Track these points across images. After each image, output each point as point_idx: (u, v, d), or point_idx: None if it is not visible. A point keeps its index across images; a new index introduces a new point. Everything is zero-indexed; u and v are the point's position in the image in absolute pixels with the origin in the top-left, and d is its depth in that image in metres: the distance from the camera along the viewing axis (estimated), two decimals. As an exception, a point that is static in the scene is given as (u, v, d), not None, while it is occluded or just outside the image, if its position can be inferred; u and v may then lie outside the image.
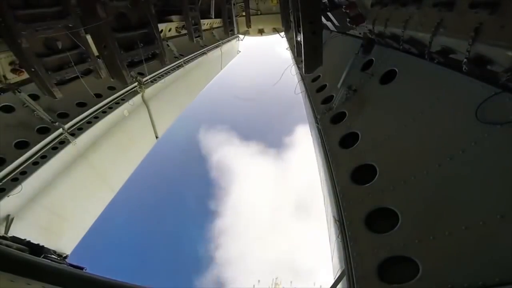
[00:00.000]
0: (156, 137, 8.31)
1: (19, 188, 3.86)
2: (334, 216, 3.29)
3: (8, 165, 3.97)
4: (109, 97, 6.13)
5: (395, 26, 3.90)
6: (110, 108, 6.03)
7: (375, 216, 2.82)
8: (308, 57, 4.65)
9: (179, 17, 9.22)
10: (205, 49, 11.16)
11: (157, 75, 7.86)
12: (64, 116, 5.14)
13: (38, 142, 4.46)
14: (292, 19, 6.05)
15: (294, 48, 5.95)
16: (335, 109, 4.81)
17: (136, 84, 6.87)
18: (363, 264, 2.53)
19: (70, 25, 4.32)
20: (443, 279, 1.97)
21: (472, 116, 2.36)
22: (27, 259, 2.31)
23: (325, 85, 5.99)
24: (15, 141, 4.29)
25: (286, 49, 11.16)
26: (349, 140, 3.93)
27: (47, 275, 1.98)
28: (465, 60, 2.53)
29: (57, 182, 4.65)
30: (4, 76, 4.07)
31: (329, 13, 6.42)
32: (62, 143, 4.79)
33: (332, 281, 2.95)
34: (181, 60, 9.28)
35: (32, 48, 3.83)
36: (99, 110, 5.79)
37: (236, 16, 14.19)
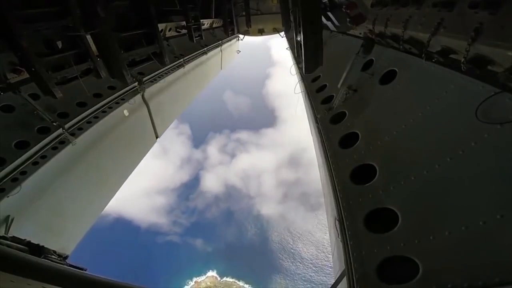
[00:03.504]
0: (156, 137, 8.31)
1: (19, 188, 3.86)
2: (334, 216, 3.29)
3: (8, 165, 3.96)
4: (109, 96, 6.13)
5: (395, 26, 3.90)
6: (110, 108, 6.03)
7: (375, 216, 2.82)
8: (308, 57, 4.65)
9: (179, 17, 9.22)
10: (205, 48, 11.16)
11: (157, 75, 7.86)
12: (64, 116, 5.14)
13: (38, 142, 4.46)
14: (292, 19, 6.05)
15: (294, 48, 5.95)
16: (335, 109, 4.81)
17: (136, 83, 6.87)
18: (363, 264, 2.53)
19: (70, 25, 4.32)
20: (443, 279, 1.97)
21: (472, 116, 2.36)
22: (28, 259, 2.31)
23: (325, 85, 5.99)
24: (15, 141, 4.29)
25: (286, 49, 11.17)
26: (349, 140, 3.93)
27: (48, 276, 1.99)
28: (463, 59, 2.54)
29: (57, 182, 4.65)
30: (4, 76, 4.07)
31: (329, 13, 6.43)
32: (62, 143, 4.78)
33: (332, 281, 2.95)
34: (181, 60, 9.28)
35: (32, 48, 3.83)
36: (99, 110, 5.78)
37: (236, 16, 14.20)
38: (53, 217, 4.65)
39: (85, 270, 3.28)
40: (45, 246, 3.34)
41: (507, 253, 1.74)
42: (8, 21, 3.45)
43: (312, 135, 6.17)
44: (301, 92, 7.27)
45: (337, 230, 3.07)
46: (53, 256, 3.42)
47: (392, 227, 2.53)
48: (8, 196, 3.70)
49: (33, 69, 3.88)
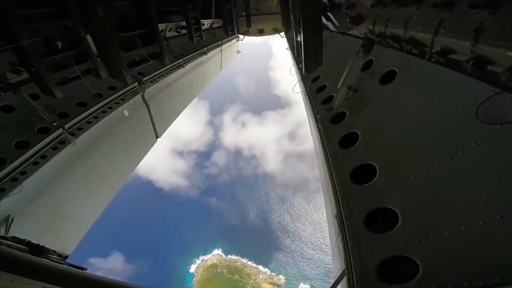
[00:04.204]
0: (157, 137, 8.31)
1: (19, 188, 3.86)
2: (334, 216, 3.29)
3: (8, 165, 3.97)
4: (109, 97, 6.13)
5: (395, 26, 3.90)
6: (110, 108, 6.03)
7: (375, 216, 2.82)
8: (308, 57, 4.65)
9: (179, 17, 9.22)
10: (205, 49, 11.16)
11: (157, 75, 7.86)
12: (64, 116, 5.14)
13: (38, 142, 4.46)
14: (292, 19, 6.06)
15: (294, 48, 5.96)
16: (335, 109, 4.81)
17: (136, 84, 6.87)
18: (363, 264, 2.53)
19: (70, 25, 4.32)
20: (443, 279, 1.98)
21: (472, 116, 2.36)
22: (28, 259, 2.31)
23: (325, 85, 5.99)
24: (15, 141, 4.29)
25: (286, 49, 11.17)
26: (349, 140, 3.93)
27: (48, 275, 1.99)
28: (471, 61, 2.54)
29: (57, 182, 4.65)
30: (4, 76, 4.07)
31: (329, 13, 6.43)
32: (62, 143, 4.78)
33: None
34: (181, 60, 9.28)
35: (32, 48, 3.83)
36: (99, 110, 5.78)
37: (236, 16, 14.20)
38: (53, 217, 4.65)
39: (85, 270, 3.28)
40: (45, 246, 3.35)
41: (507, 253, 1.74)
42: (8, 21, 3.45)
43: (312, 135, 6.18)
44: (301, 92, 7.27)
45: (337, 230, 3.07)
46: (53, 256, 3.43)
47: (392, 227, 2.54)
48: (8, 196, 3.70)
49: (33, 69, 3.89)
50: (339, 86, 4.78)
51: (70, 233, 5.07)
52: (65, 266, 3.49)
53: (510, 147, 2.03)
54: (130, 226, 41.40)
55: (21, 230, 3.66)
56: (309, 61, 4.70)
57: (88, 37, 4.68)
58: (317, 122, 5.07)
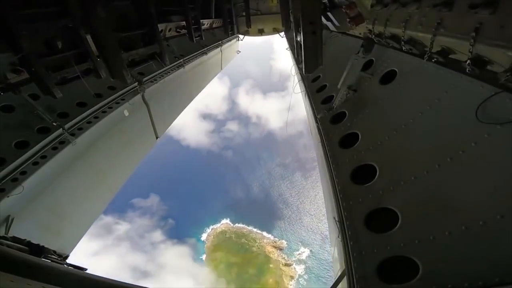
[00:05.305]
0: (156, 137, 8.30)
1: (19, 188, 3.86)
2: (334, 216, 3.29)
3: (8, 165, 3.97)
4: (109, 97, 6.13)
5: (395, 26, 3.90)
6: (110, 108, 6.03)
7: (375, 216, 2.82)
8: (308, 57, 4.64)
9: (179, 17, 9.21)
10: (205, 49, 11.16)
11: (157, 75, 7.86)
12: (64, 116, 5.14)
13: (38, 142, 4.46)
14: (292, 19, 6.06)
15: (294, 48, 5.96)
16: (335, 109, 4.81)
17: (136, 84, 6.87)
18: (363, 264, 2.53)
19: (70, 25, 4.32)
20: (443, 279, 1.98)
21: (472, 116, 2.37)
22: (27, 259, 2.31)
23: (325, 85, 6.00)
24: (15, 141, 4.29)
25: (286, 49, 11.17)
26: (349, 140, 3.93)
27: (47, 276, 1.99)
28: (468, 61, 2.53)
29: (57, 182, 4.65)
30: (4, 76, 4.06)
31: (329, 13, 6.42)
32: (62, 143, 4.78)
33: (332, 281, 2.96)
34: (181, 60, 9.27)
35: (32, 48, 3.83)
36: (99, 110, 5.78)
37: (236, 16, 14.19)
38: (53, 217, 4.65)
39: (85, 270, 3.28)
40: (45, 246, 3.34)
41: (507, 253, 1.74)
42: (8, 21, 3.45)
43: (312, 135, 6.17)
44: (301, 92, 7.27)
45: (337, 230, 3.07)
46: (53, 256, 3.43)
47: (392, 227, 2.54)
48: (8, 196, 3.70)
49: (33, 69, 3.88)
50: (339, 86, 4.77)
51: (70, 233, 5.07)
52: (65, 266, 3.49)
53: (510, 147, 2.03)
54: (165, 175, 49.56)
55: (21, 230, 3.66)
56: (309, 61, 4.70)
57: (88, 37, 4.68)
58: (317, 122, 5.07)
